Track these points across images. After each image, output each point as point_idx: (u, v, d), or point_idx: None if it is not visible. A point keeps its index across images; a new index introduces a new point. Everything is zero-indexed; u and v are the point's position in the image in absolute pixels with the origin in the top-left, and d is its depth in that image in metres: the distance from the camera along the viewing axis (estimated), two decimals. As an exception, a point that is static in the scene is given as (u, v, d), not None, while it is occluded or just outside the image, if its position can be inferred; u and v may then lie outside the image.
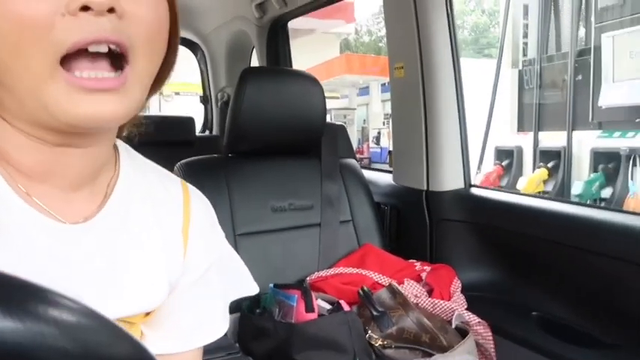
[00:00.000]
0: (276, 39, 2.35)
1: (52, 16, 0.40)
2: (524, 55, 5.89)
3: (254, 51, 2.54)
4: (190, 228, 0.59)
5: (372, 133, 15.60)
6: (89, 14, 0.41)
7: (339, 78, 14.89)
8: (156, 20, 0.46)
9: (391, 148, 1.77)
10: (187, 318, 0.60)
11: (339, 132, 1.69)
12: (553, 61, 5.55)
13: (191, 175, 1.40)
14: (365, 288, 1.20)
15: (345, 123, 15.51)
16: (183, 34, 2.81)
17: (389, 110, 15.01)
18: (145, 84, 0.48)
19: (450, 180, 1.52)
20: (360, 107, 16.78)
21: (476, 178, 5.58)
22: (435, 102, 1.51)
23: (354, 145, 15.56)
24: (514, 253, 1.39)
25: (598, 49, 4.90)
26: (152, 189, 0.58)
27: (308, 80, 1.51)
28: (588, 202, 4.55)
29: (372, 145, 15.36)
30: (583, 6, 5.32)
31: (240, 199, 1.42)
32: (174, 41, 0.52)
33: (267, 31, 2.31)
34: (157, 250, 0.55)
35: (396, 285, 1.24)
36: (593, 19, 5.11)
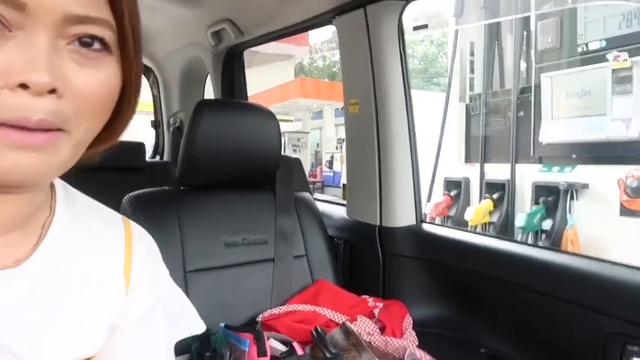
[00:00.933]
0: (232, 67, 2.35)
1: None
2: (471, 89, 6.18)
3: (208, 77, 2.52)
4: (132, 268, 0.57)
5: (325, 157, 15.76)
6: (26, 92, 0.39)
7: (293, 101, 15.02)
8: (103, 95, 0.45)
9: (344, 174, 1.79)
10: None
11: (295, 165, 1.69)
12: (497, 97, 5.86)
13: (140, 209, 1.35)
14: (318, 328, 1.19)
15: (298, 146, 15.67)
16: (136, 57, 2.75)
17: (342, 134, 15.25)
18: (80, 145, 0.46)
19: (402, 216, 1.55)
20: (314, 131, 16.95)
21: (426, 207, 5.75)
22: (389, 138, 1.54)
23: (307, 169, 15.64)
24: (463, 290, 1.42)
25: (538, 87, 5.22)
26: (90, 229, 0.55)
27: (264, 114, 1.50)
28: (530, 235, 4.78)
29: (325, 168, 15.49)
30: (524, 47, 5.66)
31: (191, 234, 1.38)
32: (128, 105, 0.50)
33: (222, 58, 2.30)
34: (96, 293, 0.53)
35: (349, 325, 1.23)
36: (533, 59, 5.44)
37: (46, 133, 0.41)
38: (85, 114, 0.43)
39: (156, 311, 0.59)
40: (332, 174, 15.02)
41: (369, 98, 1.54)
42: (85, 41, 0.43)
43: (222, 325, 1.27)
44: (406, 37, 1.54)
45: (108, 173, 2.37)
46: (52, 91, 0.40)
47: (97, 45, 0.44)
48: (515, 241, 1.36)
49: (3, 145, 0.40)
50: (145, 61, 2.79)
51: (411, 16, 1.68)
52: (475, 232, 1.46)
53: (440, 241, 1.49)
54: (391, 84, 1.51)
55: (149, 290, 0.59)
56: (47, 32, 0.40)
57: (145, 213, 1.34)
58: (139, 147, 2.51)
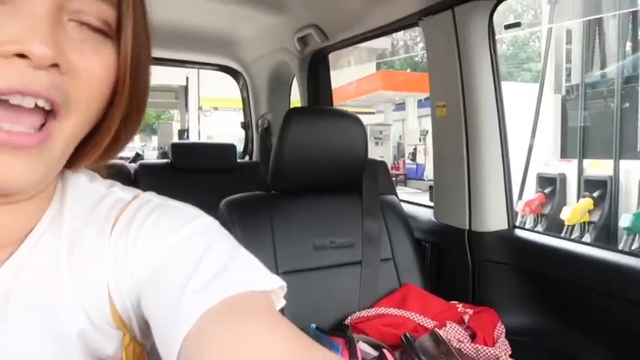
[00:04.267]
0: (317, 70, 2.39)
1: None
2: (568, 80, 5.75)
3: (294, 79, 2.59)
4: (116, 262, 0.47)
5: (408, 149, 15.51)
6: (26, 63, 0.35)
7: (375, 94, 14.91)
8: (102, 77, 0.41)
9: (427, 166, 1.76)
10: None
11: (380, 168, 1.70)
12: (597, 88, 5.40)
13: (236, 213, 1.44)
14: (407, 335, 1.20)
15: (380, 139, 15.57)
16: (227, 62, 2.90)
17: (425, 126, 14.93)
18: (69, 145, 0.42)
19: (492, 220, 1.51)
20: (396, 123, 16.74)
21: (517, 205, 5.46)
22: (478, 141, 1.50)
23: (390, 161, 15.48)
24: (559, 299, 1.36)
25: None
26: (74, 234, 0.47)
27: (350, 119, 1.53)
28: (637, 236, 4.36)
29: (407, 161, 15.27)
30: (629, 33, 5.16)
31: (282, 238, 1.44)
32: (117, 105, 0.44)
33: (308, 62, 2.36)
34: (65, 307, 0.46)
35: (439, 332, 1.23)
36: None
37: (35, 135, 0.37)
38: (83, 98, 0.40)
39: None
40: (415, 166, 14.77)
41: (457, 101, 1.51)
42: (86, 20, 0.40)
43: (313, 326, 1.32)
44: (497, 35, 1.48)
45: (204, 173, 2.55)
46: (54, 65, 0.36)
47: (98, 24, 0.40)
48: (615, 250, 1.27)
49: None
50: (235, 66, 2.92)
51: (501, 9, 1.61)
52: (571, 240, 1.38)
53: (534, 248, 1.43)
54: (481, 86, 1.47)
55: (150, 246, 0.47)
56: (48, 2, 0.36)
57: (239, 217, 1.42)
58: (230, 148, 2.64)
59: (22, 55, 0.35)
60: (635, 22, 5.12)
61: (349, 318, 1.41)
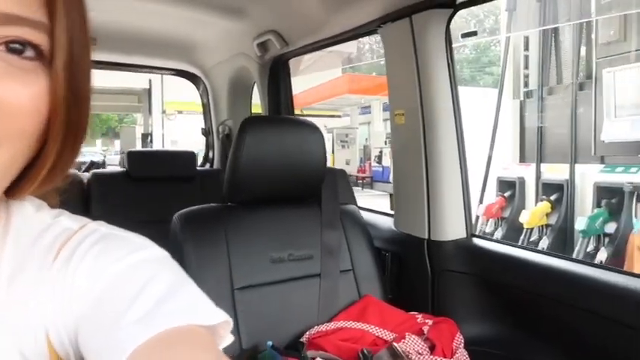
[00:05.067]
0: (277, 76, 2.36)
1: None
2: (526, 86, 5.91)
3: (255, 85, 2.55)
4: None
5: (374, 152, 15.64)
6: None
7: (341, 97, 14.97)
8: (31, 108, 0.37)
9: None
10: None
11: (340, 177, 1.68)
12: (554, 93, 5.57)
13: (188, 227, 1.39)
14: (365, 351, 1.18)
15: (346, 142, 15.62)
16: (186, 67, 2.83)
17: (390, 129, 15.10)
18: (4, 175, 0.39)
19: (451, 229, 1.50)
20: (362, 126, 16.85)
21: (478, 209, 5.56)
22: (436, 150, 1.50)
23: (356, 164, 15.59)
24: (517, 308, 1.36)
25: (599, 83, 4.91)
26: (24, 263, 0.45)
27: (308, 128, 1.50)
28: (592, 239, 4.50)
29: (373, 164, 15.38)
30: (584, 40, 5.34)
31: (238, 252, 1.40)
32: (53, 139, 0.41)
33: (268, 68, 2.32)
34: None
35: (397, 346, 1.21)
36: (594, 53, 5.12)
37: None
38: (12, 130, 0.36)
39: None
40: (381, 169, 14.90)
41: (416, 109, 1.50)
42: (14, 47, 0.36)
43: (269, 343, 1.28)
44: (458, 42, 1.48)
45: (161, 182, 2.47)
46: None
47: (29, 52, 0.37)
48: (573, 260, 1.28)
49: None
50: (195, 71, 2.86)
51: (463, 13, 1.62)
52: (528, 248, 1.39)
53: (492, 256, 1.43)
54: (438, 94, 1.46)
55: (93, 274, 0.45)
56: None
57: (193, 232, 1.37)
58: (190, 156, 2.57)
59: None
60: (588, 31, 5.31)
61: (307, 333, 1.37)
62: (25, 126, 0.37)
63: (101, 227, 0.49)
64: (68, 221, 0.49)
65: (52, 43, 0.38)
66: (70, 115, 0.41)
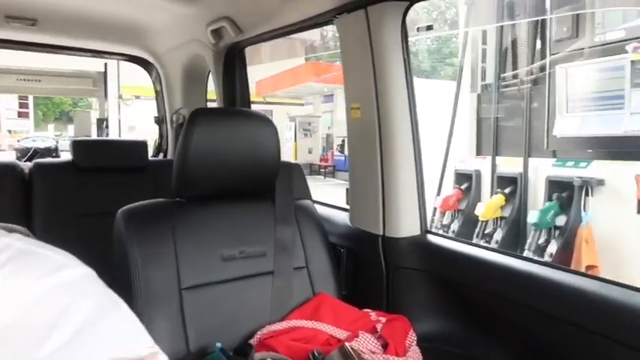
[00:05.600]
0: (233, 64, 2.28)
1: None
2: (483, 79, 6.00)
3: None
4: None
5: (337, 141, 15.66)
6: None
7: (304, 85, 14.88)
8: None
9: None
10: None
11: (295, 171, 1.64)
12: (510, 87, 5.68)
13: (132, 225, 1.31)
14: (315, 352, 1.15)
15: (309, 130, 15.57)
16: (138, 52, 2.70)
17: (353, 118, 15.15)
18: None
19: (406, 226, 1.49)
20: (325, 114, 16.82)
21: (435, 201, 5.64)
22: (391, 145, 1.48)
23: (319, 153, 15.58)
24: (469, 305, 1.37)
25: (553, 78, 5.04)
26: None
27: (261, 120, 1.44)
28: (543, 231, 4.64)
29: (336, 153, 15.42)
30: (539, 36, 5.45)
31: (187, 250, 1.33)
32: None
33: (223, 56, 2.24)
34: None
35: (348, 346, 1.19)
36: (548, 49, 5.24)
37: None
38: None
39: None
40: (343, 158, 14.96)
41: (371, 103, 1.47)
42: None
43: (218, 345, 1.24)
44: (414, 36, 1.46)
45: (110, 173, 2.36)
46: None
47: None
48: (525, 258, 1.30)
49: None
50: (147, 56, 2.74)
51: (424, 4, 1.59)
52: (481, 246, 1.40)
53: (445, 254, 1.43)
54: (394, 88, 1.44)
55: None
56: None
57: (137, 229, 1.30)
58: (142, 145, 2.46)
59: None
60: (543, 28, 5.43)
61: (259, 333, 1.33)
62: None
63: (16, 242, 0.44)
64: None
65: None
66: None
